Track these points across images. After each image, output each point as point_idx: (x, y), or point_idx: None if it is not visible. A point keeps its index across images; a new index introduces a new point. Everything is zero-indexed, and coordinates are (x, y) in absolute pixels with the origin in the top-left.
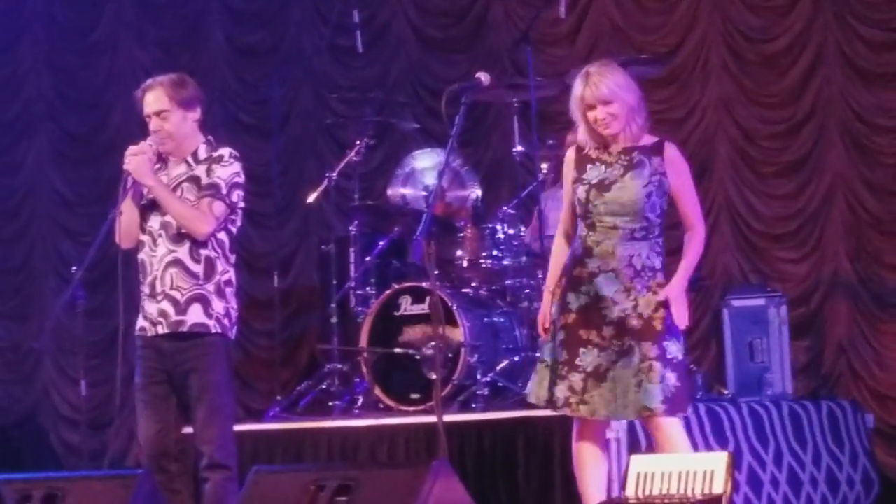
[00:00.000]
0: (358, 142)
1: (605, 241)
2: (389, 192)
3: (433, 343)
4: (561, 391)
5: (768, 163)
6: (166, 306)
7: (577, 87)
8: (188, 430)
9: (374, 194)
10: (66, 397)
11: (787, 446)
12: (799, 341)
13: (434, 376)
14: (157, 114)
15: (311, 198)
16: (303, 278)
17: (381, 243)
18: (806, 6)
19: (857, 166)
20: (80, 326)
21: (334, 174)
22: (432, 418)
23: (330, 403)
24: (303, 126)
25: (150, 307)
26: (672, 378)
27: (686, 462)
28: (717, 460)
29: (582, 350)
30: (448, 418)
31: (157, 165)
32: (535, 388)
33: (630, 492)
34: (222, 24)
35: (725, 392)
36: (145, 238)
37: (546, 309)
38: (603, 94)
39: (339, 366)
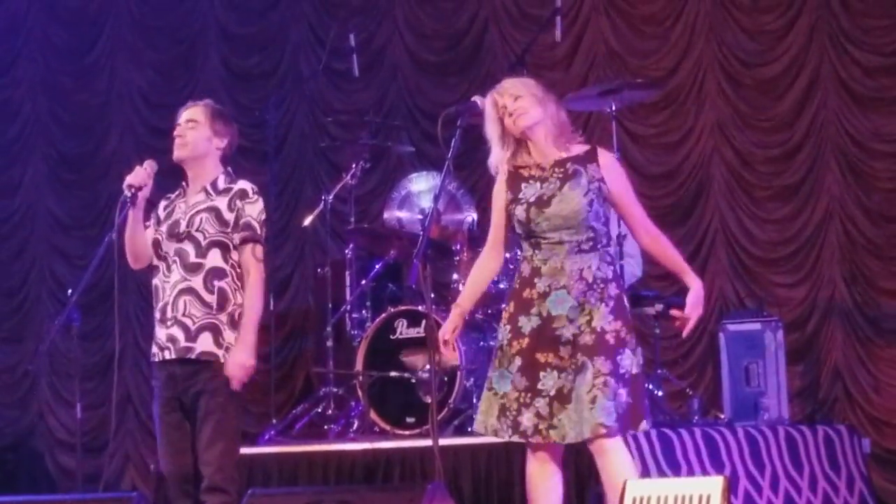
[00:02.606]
0: (354, 165)
1: (552, 257)
2: (385, 215)
3: (429, 367)
4: (528, 419)
5: (764, 187)
6: (176, 332)
7: (488, 98)
8: None
9: (369, 217)
10: (62, 420)
11: (783, 471)
12: (795, 366)
13: (430, 400)
14: (187, 121)
15: (307, 221)
16: (298, 301)
17: (377, 266)
18: (801, 31)
19: (853, 191)
20: (75, 349)
21: (330, 197)
22: (428, 442)
23: (325, 427)
24: (299, 149)
25: (160, 332)
26: (623, 394)
27: (682, 486)
28: (714, 485)
29: (542, 374)
30: (444, 442)
31: (178, 193)
32: (483, 417)
33: None
34: (218, 47)
35: (721, 416)
36: (160, 263)
37: (451, 324)
38: (511, 87)
39: (335, 389)
